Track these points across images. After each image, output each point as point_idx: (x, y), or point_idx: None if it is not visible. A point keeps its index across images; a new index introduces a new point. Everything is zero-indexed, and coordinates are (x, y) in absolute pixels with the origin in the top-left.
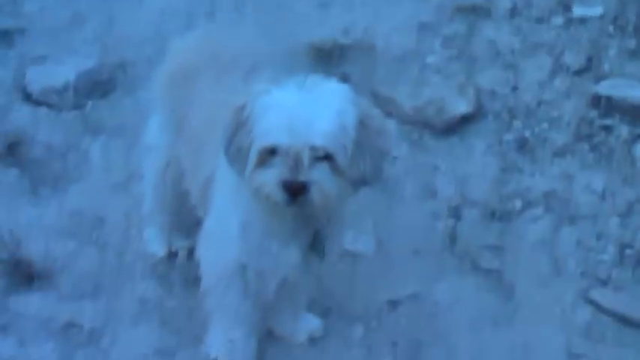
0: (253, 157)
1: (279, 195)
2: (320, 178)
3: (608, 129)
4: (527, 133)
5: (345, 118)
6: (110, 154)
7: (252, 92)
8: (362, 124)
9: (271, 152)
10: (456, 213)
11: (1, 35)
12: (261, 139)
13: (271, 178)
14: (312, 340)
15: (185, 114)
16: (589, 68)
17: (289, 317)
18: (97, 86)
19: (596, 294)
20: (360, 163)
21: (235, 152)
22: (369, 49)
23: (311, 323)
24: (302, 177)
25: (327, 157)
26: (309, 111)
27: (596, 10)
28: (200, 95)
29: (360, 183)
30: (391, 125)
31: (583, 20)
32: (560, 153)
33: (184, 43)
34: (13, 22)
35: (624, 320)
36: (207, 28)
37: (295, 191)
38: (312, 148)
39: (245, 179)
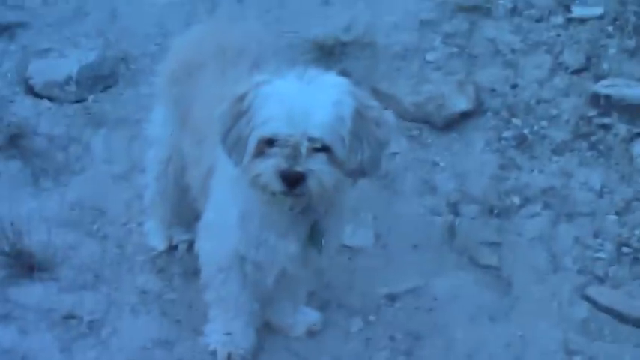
0: (251, 147)
1: (276, 185)
2: (317, 169)
3: (606, 127)
4: (526, 131)
5: (343, 110)
6: (112, 146)
7: (251, 82)
8: (360, 115)
9: (269, 142)
10: (454, 209)
11: (3, 28)
12: (260, 129)
13: (269, 168)
14: (311, 333)
15: (188, 107)
16: (588, 67)
17: (288, 309)
18: (99, 79)
19: (593, 291)
20: (357, 154)
21: (233, 142)
22: (370, 46)
23: (310, 316)
24: (299, 167)
25: (325, 148)
26: (307, 102)
27: (596, 10)
28: (203, 89)
29: (358, 174)
30: (390, 116)
31: (582, 20)
32: (558, 150)
33: (188, 37)
34: (15, 16)
35: (621, 317)
36: (211, 23)
37: (292, 181)
38: (310, 139)
39: (243, 169)
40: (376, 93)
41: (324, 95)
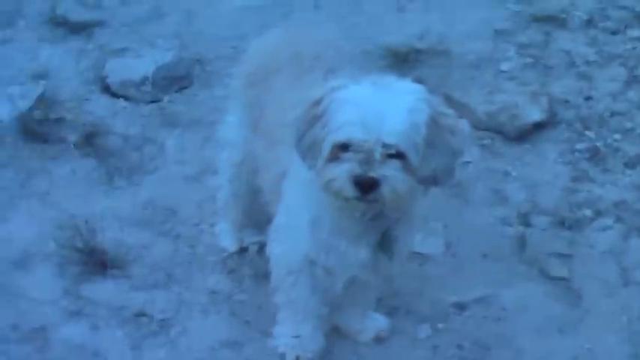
0: (326, 152)
1: (349, 190)
2: (391, 175)
3: None
4: (599, 143)
5: (418, 117)
6: (185, 147)
7: (327, 88)
8: (434, 122)
9: (344, 147)
10: (525, 220)
11: (81, 28)
12: (335, 134)
13: (343, 172)
14: (379, 339)
15: (262, 111)
16: None
17: (357, 315)
18: (174, 80)
19: None
20: (431, 162)
21: (308, 146)
22: (444, 54)
23: (378, 322)
24: (373, 173)
25: (399, 155)
26: (382, 108)
27: None
28: (278, 93)
29: (430, 182)
30: (464, 125)
31: None
32: (631, 164)
33: (264, 42)
34: (93, 15)
35: None
36: (287, 28)
37: (366, 187)
38: (385, 145)
39: (316, 173)
40: (449, 101)
41: (400, 102)
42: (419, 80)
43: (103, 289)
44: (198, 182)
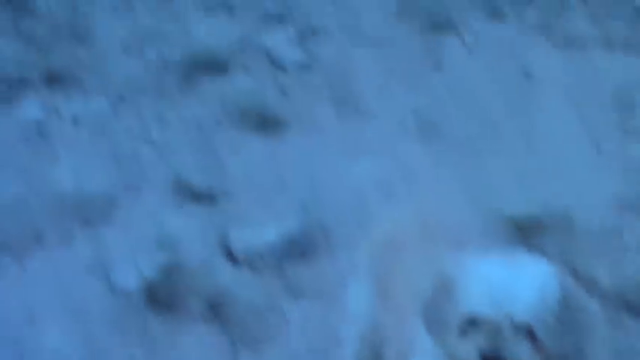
0: (453, 327)
1: None
2: (520, 353)
3: None
4: None
5: (548, 294)
6: (309, 317)
7: (456, 262)
8: (565, 301)
9: (472, 323)
10: None
11: (205, 195)
12: (463, 309)
13: (471, 349)
14: None
15: (389, 284)
16: None
17: None
18: (298, 249)
19: None
20: (561, 341)
21: (436, 321)
22: (569, 225)
23: None
24: (502, 350)
25: (529, 332)
26: (512, 285)
27: None
28: (406, 266)
29: None
30: (595, 305)
31: None
32: None
33: (391, 213)
34: (217, 183)
35: None
36: (414, 199)
37: None
38: (514, 323)
39: (443, 348)
40: (575, 274)
41: (530, 279)
42: (543, 252)
43: None
44: (323, 354)
